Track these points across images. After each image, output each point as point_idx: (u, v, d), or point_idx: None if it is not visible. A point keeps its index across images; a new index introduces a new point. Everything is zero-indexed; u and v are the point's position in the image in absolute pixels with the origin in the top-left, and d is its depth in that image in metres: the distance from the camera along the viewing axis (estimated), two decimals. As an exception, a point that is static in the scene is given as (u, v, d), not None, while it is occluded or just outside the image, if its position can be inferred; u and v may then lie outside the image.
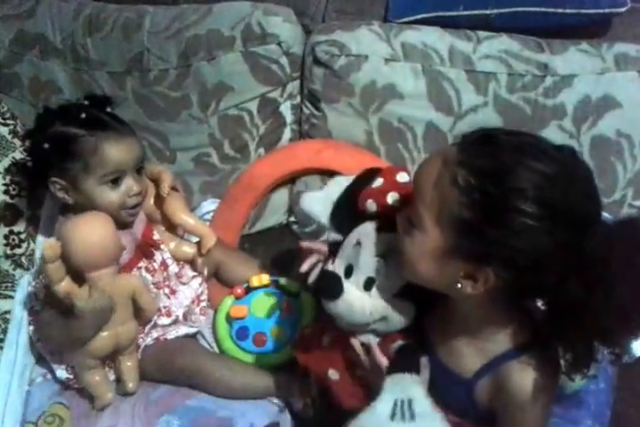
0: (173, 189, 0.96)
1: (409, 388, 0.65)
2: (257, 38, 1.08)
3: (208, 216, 1.12)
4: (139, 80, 1.14)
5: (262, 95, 1.12)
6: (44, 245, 0.82)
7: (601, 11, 1.03)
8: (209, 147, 1.16)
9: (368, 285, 0.67)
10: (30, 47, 1.19)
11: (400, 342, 0.69)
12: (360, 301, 0.67)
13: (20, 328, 0.92)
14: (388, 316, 0.68)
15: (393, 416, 0.63)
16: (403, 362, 0.68)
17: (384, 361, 0.69)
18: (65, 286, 0.81)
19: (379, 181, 0.72)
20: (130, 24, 1.14)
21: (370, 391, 0.71)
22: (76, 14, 1.17)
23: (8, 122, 1.09)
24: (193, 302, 0.96)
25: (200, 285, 0.98)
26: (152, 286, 0.92)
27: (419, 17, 1.08)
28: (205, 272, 0.99)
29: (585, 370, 0.61)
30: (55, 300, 0.82)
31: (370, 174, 0.74)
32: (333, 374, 0.74)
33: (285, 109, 1.14)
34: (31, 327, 0.92)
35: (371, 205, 0.70)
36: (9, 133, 1.07)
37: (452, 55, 1.04)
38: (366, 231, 0.69)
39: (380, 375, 0.68)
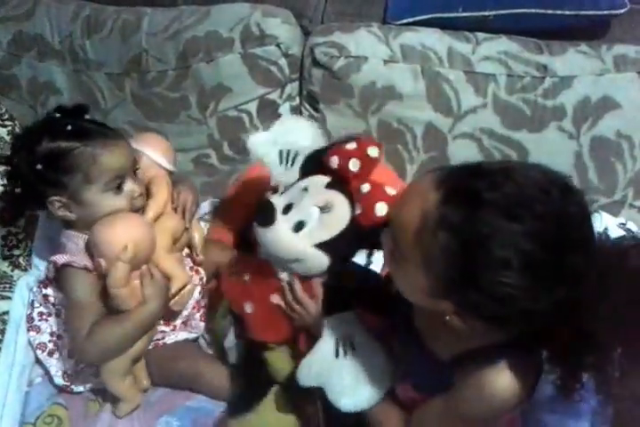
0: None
1: (347, 325, 0.72)
2: (256, 40, 1.09)
3: (207, 217, 1.12)
4: (137, 81, 1.16)
5: (261, 97, 1.13)
6: (129, 245, 0.81)
7: (600, 12, 1.04)
8: (208, 148, 1.17)
9: (297, 227, 0.74)
10: (28, 48, 1.20)
11: (319, 280, 0.77)
12: (285, 236, 0.73)
13: (19, 329, 0.93)
14: (302, 260, 0.74)
15: (337, 354, 0.71)
16: (335, 303, 0.75)
17: (305, 297, 0.76)
18: (128, 289, 0.82)
19: (352, 145, 0.76)
20: (128, 25, 1.15)
21: (284, 324, 0.79)
22: (75, 16, 1.19)
23: (6, 123, 1.10)
24: (194, 308, 0.96)
25: (200, 293, 0.98)
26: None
27: (417, 18, 1.09)
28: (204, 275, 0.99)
29: (576, 386, 0.61)
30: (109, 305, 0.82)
31: (348, 138, 0.79)
32: (249, 308, 0.80)
33: (284, 111, 1.15)
34: (44, 330, 0.92)
35: (333, 161, 0.75)
36: (7, 135, 1.07)
37: (450, 56, 1.05)
38: (317, 182, 0.76)
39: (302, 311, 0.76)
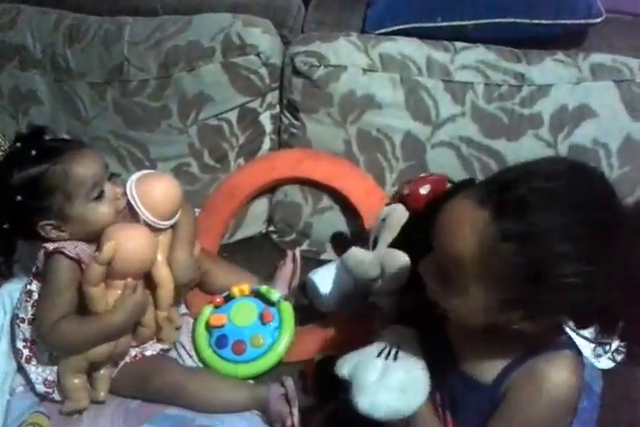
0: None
1: (401, 336, 0.74)
2: (236, 49, 1.15)
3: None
4: (119, 90, 1.21)
5: (242, 105, 1.18)
6: (106, 247, 0.85)
7: (576, 21, 1.10)
8: (189, 156, 1.22)
9: (374, 245, 0.90)
10: (10, 58, 1.26)
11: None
12: (361, 253, 0.89)
13: (1, 337, 0.97)
14: (385, 264, 0.85)
15: (379, 354, 0.72)
16: (403, 318, 0.79)
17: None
18: (102, 288, 0.87)
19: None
20: (110, 35, 1.21)
21: None
22: (57, 25, 1.25)
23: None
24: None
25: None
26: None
27: (396, 28, 1.15)
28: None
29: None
30: (83, 302, 0.87)
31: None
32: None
33: (265, 119, 1.20)
34: (23, 333, 0.95)
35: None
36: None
37: (429, 65, 1.10)
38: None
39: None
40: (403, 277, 0.84)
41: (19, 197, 0.86)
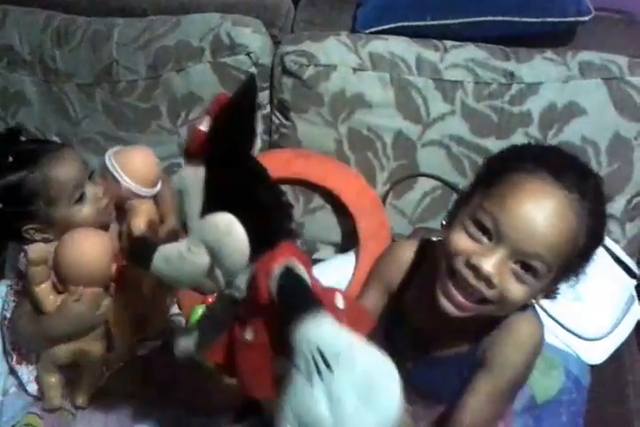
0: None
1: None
2: (226, 49, 1.16)
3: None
4: (108, 91, 1.22)
5: (232, 106, 1.18)
6: (31, 248, 0.87)
7: (565, 19, 1.11)
8: (179, 157, 1.22)
9: None
10: (-2, 59, 1.26)
11: None
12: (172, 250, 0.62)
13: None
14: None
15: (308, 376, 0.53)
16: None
17: None
18: (45, 287, 0.88)
19: None
20: (99, 36, 1.22)
21: None
22: (45, 26, 1.25)
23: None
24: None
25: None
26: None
27: (386, 27, 1.16)
28: None
29: None
30: (31, 300, 0.89)
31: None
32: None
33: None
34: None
35: None
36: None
37: (419, 64, 1.12)
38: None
39: None
40: (242, 245, 0.59)
41: (0, 205, 0.86)
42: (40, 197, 0.87)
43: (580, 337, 0.97)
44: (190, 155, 0.64)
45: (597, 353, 0.97)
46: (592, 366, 0.96)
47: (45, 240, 0.90)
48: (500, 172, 0.68)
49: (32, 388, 0.95)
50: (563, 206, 0.63)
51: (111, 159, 0.96)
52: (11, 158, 0.87)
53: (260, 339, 0.63)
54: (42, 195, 0.87)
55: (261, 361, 0.64)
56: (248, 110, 0.65)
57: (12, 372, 0.98)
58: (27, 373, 0.95)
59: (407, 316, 0.77)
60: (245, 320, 0.65)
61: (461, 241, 0.65)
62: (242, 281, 0.62)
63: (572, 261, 0.65)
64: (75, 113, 1.25)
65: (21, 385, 0.96)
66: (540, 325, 0.72)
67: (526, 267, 0.63)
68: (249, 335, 0.64)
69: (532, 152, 0.73)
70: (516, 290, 0.63)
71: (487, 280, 0.63)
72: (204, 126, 0.63)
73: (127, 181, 0.95)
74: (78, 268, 0.87)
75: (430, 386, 0.75)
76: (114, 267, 0.89)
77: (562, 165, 0.66)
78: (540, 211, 0.62)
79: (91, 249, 0.88)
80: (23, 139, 0.92)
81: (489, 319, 0.70)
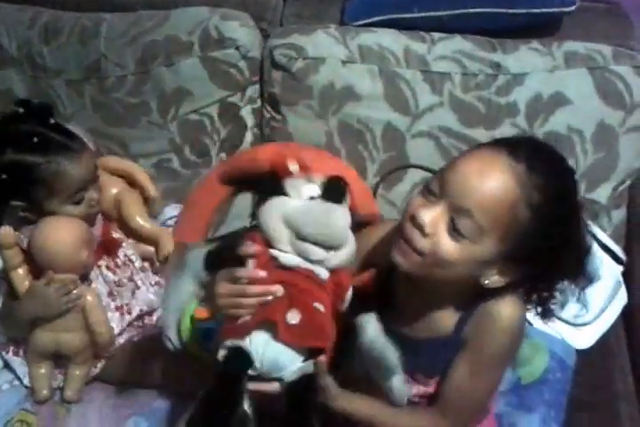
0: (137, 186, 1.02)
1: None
2: (215, 43, 1.17)
3: (171, 222, 1.20)
4: (97, 87, 1.23)
5: (222, 100, 1.21)
6: (1, 231, 0.90)
7: (550, 10, 1.14)
8: (170, 152, 1.24)
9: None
10: (-15, 56, 1.27)
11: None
12: (346, 215, 0.70)
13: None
14: (349, 243, 0.70)
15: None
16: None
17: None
18: (20, 272, 0.91)
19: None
20: (87, 31, 1.23)
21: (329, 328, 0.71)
22: (32, 22, 1.26)
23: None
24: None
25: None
26: (113, 285, 0.99)
27: (374, 19, 1.18)
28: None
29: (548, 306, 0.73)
30: (8, 285, 0.93)
31: None
32: (293, 318, 0.69)
33: (246, 113, 1.23)
34: None
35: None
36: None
37: (407, 56, 1.14)
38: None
39: None
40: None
41: (3, 175, 0.89)
42: (44, 187, 0.90)
43: (567, 323, 1.00)
44: None
45: (585, 338, 1.00)
46: (580, 351, 0.99)
47: (25, 220, 0.93)
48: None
49: (27, 380, 0.97)
50: (503, 172, 0.64)
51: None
52: (36, 139, 0.89)
53: None
54: (46, 185, 0.90)
55: None
56: None
57: (5, 368, 1.00)
58: (23, 365, 0.97)
59: (395, 298, 0.79)
60: None
61: (413, 201, 0.69)
62: None
63: (519, 241, 0.65)
64: (64, 109, 1.26)
65: (17, 379, 0.98)
66: (522, 308, 0.73)
67: (459, 224, 0.65)
68: None
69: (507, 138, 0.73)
70: (447, 245, 0.65)
71: (420, 228, 0.66)
72: None
73: None
74: (50, 253, 0.90)
75: (418, 368, 0.77)
76: (85, 254, 0.91)
77: (525, 145, 0.68)
78: (479, 171, 0.65)
79: (62, 236, 0.91)
80: (52, 121, 0.92)
81: (471, 302, 0.72)
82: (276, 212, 0.70)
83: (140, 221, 0.99)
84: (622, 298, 1.05)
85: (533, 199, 0.64)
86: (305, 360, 0.67)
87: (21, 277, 0.92)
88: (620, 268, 1.08)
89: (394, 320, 0.75)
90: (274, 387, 0.68)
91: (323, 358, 0.67)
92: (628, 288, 1.07)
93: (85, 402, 0.96)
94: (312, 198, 0.70)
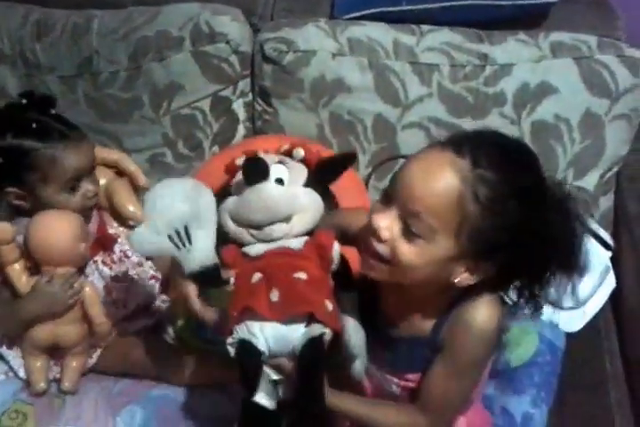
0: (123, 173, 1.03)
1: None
2: (206, 38, 1.19)
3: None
4: (89, 83, 1.25)
5: (214, 94, 1.23)
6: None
7: (536, 1, 1.17)
8: (163, 147, 1.26)
9: (280, 182, 0.74)
10: (-21, 54, 1.28)
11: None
12: (279, 189, 0.73)
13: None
14: (304, 206, 0.74)
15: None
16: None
17: None
18: (17, 268, 0.92)
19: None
20: (78, 28, 1.25)
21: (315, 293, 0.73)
22: (24, 20, 1.28)
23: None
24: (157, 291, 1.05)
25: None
26: (109, 279, 1.01)
27: (363, 13, 1.21)
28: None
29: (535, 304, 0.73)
30: (4, 282, 0.93)
31: None
32: (275, 296, 0.72)
33: (238, 107, 1.25)
34: None
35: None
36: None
37: (396, 48, 1.16)
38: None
39: None
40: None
41: (0, 160, 0.90)
42: (38, 173, 0.91)
43: (556, 307, 1.02)
44: None
45: (574, 321, 1.02)
46: (569, 334, 1.01)
47: (19, 210, 0.94)
48: None
49: (23, 373, 0.98)
50: (446, 170, 0.64)
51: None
52: (34, 125, 0.90)
53: None
54: (41, 171, 0.91)
55: None
56: None
57: (1, 359, 1.00)
58: (18, 357, 0.98)
59: (378, 295, 0.80)
60: None
61: (371, 207, 0.71)
62: None
63: (475, 237, 0.65)
64: (57, 105, 1.27)
65: (11, 371, 0.99)
66: (497, 311, 0.72)
67: (412, 226, 0.65)
68: None
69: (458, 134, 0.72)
70: (405, 249, 0.66)
71: (376, 234, 0.67)
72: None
73: None
74: (48, 248, 0.91)
75: (396, 364, 0.78)
76: (83, 247, 0.93)
77: (471, 140, 0.67)
78: (423, 171, 0.65)
79: (62, 229, 0.91)
80: (53, 111, 0.95)
81: (448, 303, 0.73)
82: (223, 214, 0.75)
83: (131, 208, 1.00)
84: (611, 283, 1.07)
85: (480, 193, 0.64)
86: (307, 325, 0.69)
87: (18, 272, 0.92)
88: (609, 253, 1.10)
89: (376, 316, 0.77)
90: (280, 361, 0.70)
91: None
92: (617, 273, 1.09)
93: (81, 393, 0.97)
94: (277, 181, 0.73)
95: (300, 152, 0.77)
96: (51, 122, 0.93)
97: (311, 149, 0.79)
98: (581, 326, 1.02)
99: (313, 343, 0.68)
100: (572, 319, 1.02)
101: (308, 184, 0.75)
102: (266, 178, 0.72)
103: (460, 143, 0.66)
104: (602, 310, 1.05)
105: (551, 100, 1.12)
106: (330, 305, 0.70)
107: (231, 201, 0.75)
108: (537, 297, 0.73)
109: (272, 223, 0.73)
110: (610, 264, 1.09)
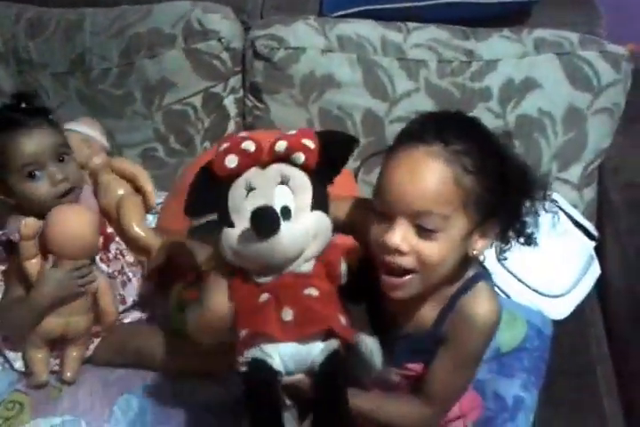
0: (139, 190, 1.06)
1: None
2: (197, 35, 1.22)
3: (157, 208, 1.22)
4: (82, 80, 1.28)
5: (205, 90, 1.25)
6: (23, 222, 0.91)
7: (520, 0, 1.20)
8: (155, 142, 1.29)
9: (286, 214, 0.71)
10: (-28, 51, 1.30)
11: None
12: (292, 229, 0.70)
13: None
14: (316, 231, 0.71)
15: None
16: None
17: None
18: (35, 263, 0.93)
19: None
20: (71, 26, 1.28)
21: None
22: (18, 18, 1.31)
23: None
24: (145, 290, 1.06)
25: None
26: (107, 276, 1.02)
27: (352, 10, 1.24)
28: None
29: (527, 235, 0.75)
30: (20, 276, 0.93)
31: None
32: (288, 315, 0.71)
33: (229, 103, 1.28)
34: None
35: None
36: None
37: (384, 45, 1.19)
38: (251, 174, 0.74)
39: None
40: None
41: None
42: None
43: (543, 295, 1.05)
44: None
45: (561, 309, 1.05)
46: (557, 321, 1.04)
47: (3, 203, 0.95)
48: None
49: (19, 364, 0.99)
50: (427, 161, 0.66)
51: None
52: None
53: None
54: None
55: None
56: None
57: (-4, 350, 1.02)
58: (13, 350, 0.99)
59: (381, 297, 0.80)
60: None
61: (373, 232, 0.70)
62: None
63: (481, 203, 0.68)
64: (50, 102, 1.29)
65: (7, 362, 1.00)
66: (495, 301, 0.75)
67: (426, 224, 0.67)
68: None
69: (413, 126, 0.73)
70: (428, 249, 0.68)
71: (397, 251, 0.68)
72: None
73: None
74: (67, 243, 0.92)
75: (398, 359, 0.79)
76: (98, 239, 0.94)
77: (429, 126, 0.69)
78: (408, 174, 0.67)
79: (77, 224, 0.93)
80: (24, 105, 0.95)
81: (449, 295, 0.74)
82: (227, 250, 0.71)
83: (139, 230, 1.01)
84: (595, 271, 1.10)
85: (467, 164, 0.67)
86: (324, 340, 0.69)
87: (34, 266, 0.93)
88: (593, 243, 1.14)
89: (380, 318, 0.79)
90: (298, 378, 0.71)
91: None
92: (601, 262, 1.12)
93: (77, 383, 0.97)
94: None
95: (301, 157, 0.73)
96: (13, 114, 0.95)
97: (299, 141, 0.74)
98: (567, 313, 1.05)
99: (333, 359, 0.68)
100: (559, 307, 1.05)
101: (314, 200, 0.72)
102: (277, 232, 0.68)
103: (421, 134, 0.68)
104: (587, 297, 1.08)
105: (535, 94, 1.16)
106: (342, 318, 0.71)
107: (235, 238, 0.70)
108: (523, 230, 0.74)
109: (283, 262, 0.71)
110: (594, 253, 1.13)
